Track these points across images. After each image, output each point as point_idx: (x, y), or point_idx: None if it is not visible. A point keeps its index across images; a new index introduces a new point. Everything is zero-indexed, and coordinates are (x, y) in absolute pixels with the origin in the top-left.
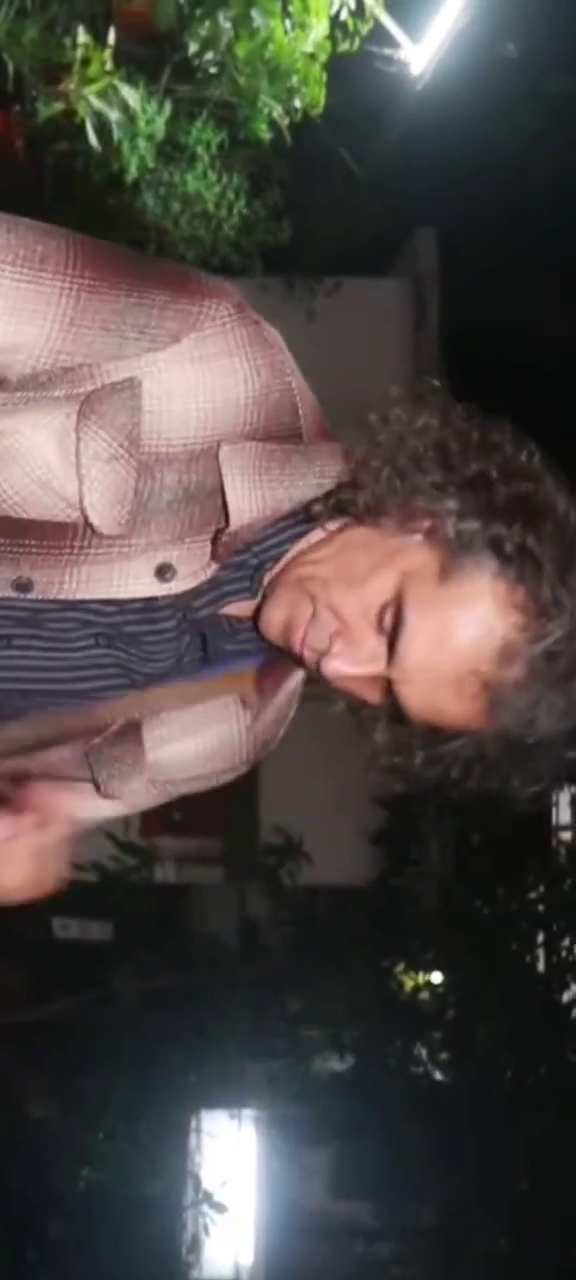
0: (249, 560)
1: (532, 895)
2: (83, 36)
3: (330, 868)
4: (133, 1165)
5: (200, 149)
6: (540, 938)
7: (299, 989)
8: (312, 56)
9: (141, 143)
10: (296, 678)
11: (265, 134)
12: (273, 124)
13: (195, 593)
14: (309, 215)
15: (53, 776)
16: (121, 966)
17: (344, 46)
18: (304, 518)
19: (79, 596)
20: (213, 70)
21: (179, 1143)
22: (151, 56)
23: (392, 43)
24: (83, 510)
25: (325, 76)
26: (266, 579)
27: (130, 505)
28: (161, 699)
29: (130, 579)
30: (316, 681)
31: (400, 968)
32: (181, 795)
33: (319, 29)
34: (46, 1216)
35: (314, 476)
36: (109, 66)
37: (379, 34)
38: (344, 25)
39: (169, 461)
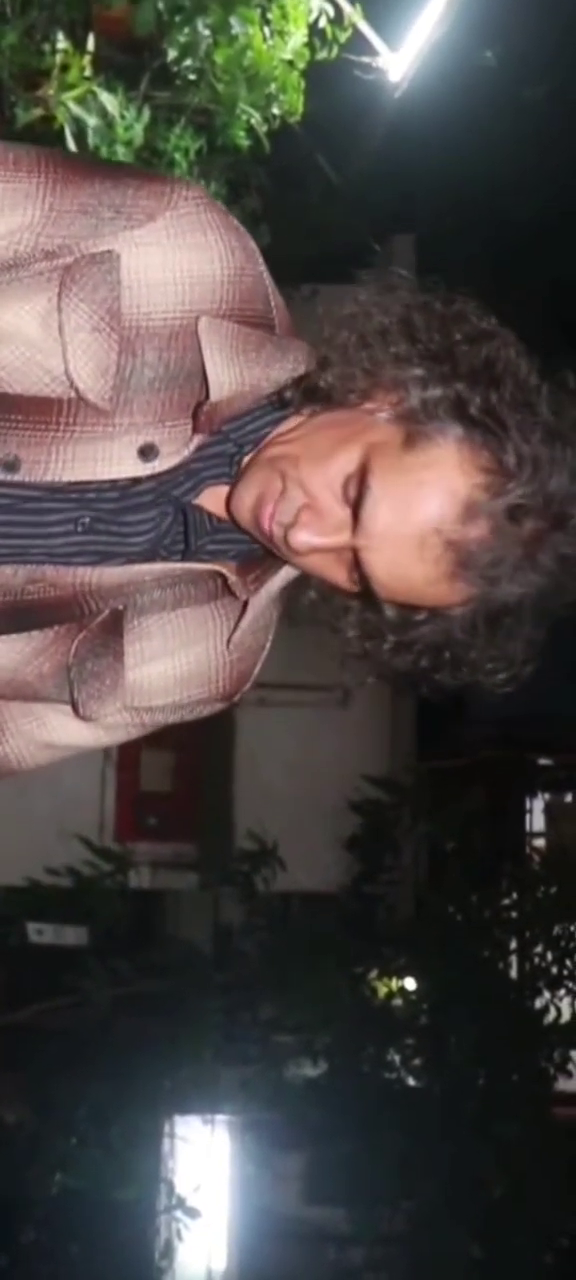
0: (228, 449)
1: (506, 902)
2: (62, 43)
3: (304, 874)
4: (105, 1170)
5: (179, 155)
6: (513, 945)
7: (272, 995)
8: (291, 64)
9: (120, 149)
10: (276, 581)
11: (243, 141)
12: (251, 131)
13: (175, 480)
14: (287, 222)
15: (27, 697)
16: (96, 972)
17: (322, 54)
18: (279, 404)
19: (65, 478)
20: (191, 77)
21: (152, 1148)
22: (130, 63)
23: (371, 50)
24: (68, 377)
25: (303, 84)
26: (244, 463)
27: (113, 379)
28: (144, 574)
29: (114, 460)
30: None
31: (373, 974)
32: (157, 726)
33: (297, 37)
34: (18, 1222)
35: (288, 364)
36: (88, 73)
37: (357, 42)
38: (322, 33)
39: (149, 337)
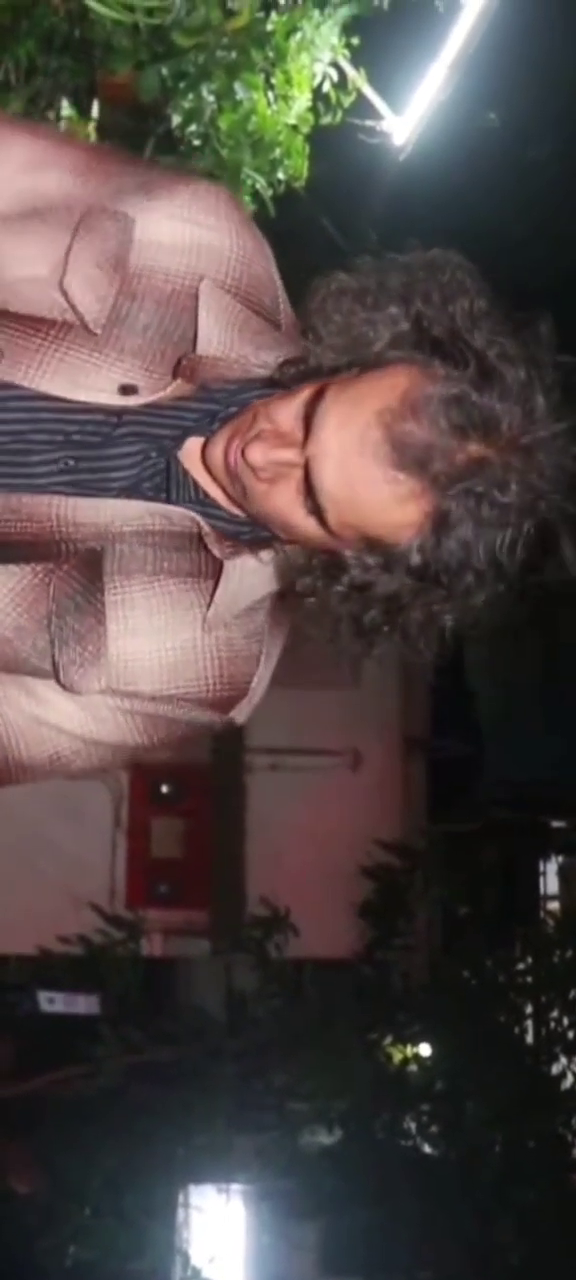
0: (214, 409)
1: (521, 967)
2: (67, 109)
3: (317, 940)
4: (120, 1242)
5: None
6: (528, 1009)
7: (286, 1062)
8: (295, 128)
9: None
10: (253, 560)
11: (248, 205)
12: (256, 195)
13: (158, 426)
14: (292, 286)
15: (8, 664)
16: (108, 1040)
17: (326, 119)
18: (269, 384)
19: (42, 388)
20: (196, 142)
21: (166, 1218)
22: (135, 128)
23: (375, 114)
24: (63, 289)
25: (308, 148)
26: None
27: (108, 310)
28: (120, 512)
29: (93, 388)
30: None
31: (388, 1040)
32: (151, 729)
33: (301, 101)
34: None
35: (282, 353)
36: (93, 139)
37: (362, 106)
38: (326, 97)
39: (150, 290)
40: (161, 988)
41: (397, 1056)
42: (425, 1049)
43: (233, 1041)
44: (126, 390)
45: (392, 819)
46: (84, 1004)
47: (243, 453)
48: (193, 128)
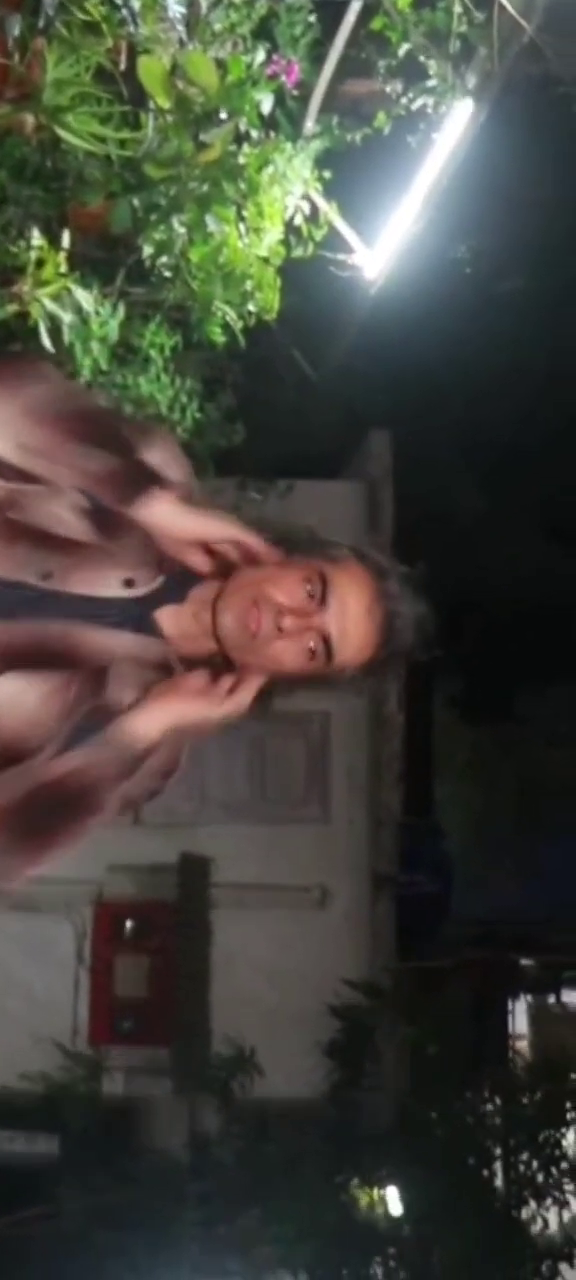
0: (176, 589)
1: (489, 1108)
2: (37, 239)
3: (282, 1080)
4: None
5: (154, 352)
6: (498, 1152)
7: (251, 1205)
8: (267, 261)
9: (95, 345)
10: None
11: (219, 337)
12: (226, 327)
13: (134, 602)
14: (262, 418)
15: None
16: (68, 1182)
17: (298, 251)
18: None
19: (76, 591)
20: (167, 274)
21: None
22: (106, 259)
23: (347, 247)
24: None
25: (279, 281)
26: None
27: (115, 538)
28: (122, 642)
29: (108, 585)
30: None
31: (355, 1183)
32: None
33: (273, 234)
34: None
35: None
36: (63, 269)
37: (333, 239)
38: (298, 230)
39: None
40: (123, 1128)
41: (364, 1200)
42: (393, 1193)
43: (196, 1184)
44: (128, 582)
45: (360, 957)
46: (43, 1144)
47: (271, 621)
48: (164, 259)
